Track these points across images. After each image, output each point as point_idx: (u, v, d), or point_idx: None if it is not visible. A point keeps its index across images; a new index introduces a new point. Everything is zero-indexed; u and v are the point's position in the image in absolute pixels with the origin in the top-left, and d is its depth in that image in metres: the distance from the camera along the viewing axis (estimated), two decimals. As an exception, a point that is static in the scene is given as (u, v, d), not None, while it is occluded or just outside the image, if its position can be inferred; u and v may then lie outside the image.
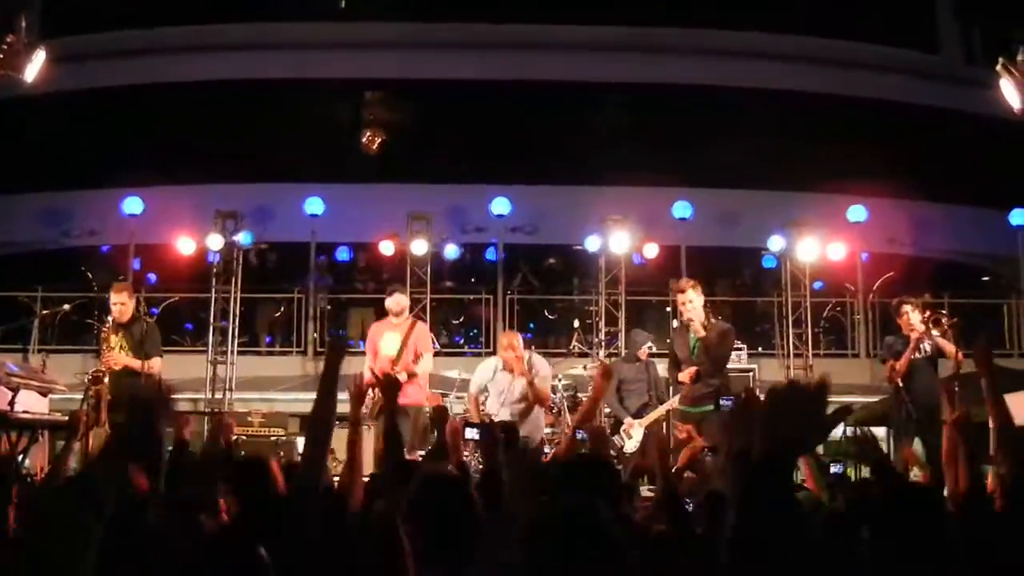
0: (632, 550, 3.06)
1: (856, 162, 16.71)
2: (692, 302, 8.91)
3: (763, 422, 2.34)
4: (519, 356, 9.44)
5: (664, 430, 10.12)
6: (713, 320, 9.15)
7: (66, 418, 8.67)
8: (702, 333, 8.80)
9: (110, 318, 9.11)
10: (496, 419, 9.18)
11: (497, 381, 9.58)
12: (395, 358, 9.43)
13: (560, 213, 16.84)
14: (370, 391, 7.88)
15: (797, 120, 18.13)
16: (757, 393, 7.54)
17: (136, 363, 8.86)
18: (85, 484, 3.19)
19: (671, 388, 10.81)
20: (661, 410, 10.09)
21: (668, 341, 9.78)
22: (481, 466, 5.27)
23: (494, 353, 14.52)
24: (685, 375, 8.88)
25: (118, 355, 8.88)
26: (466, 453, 7.34)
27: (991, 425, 4.59)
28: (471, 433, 6.30)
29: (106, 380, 8.70)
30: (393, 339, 9.64)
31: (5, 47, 9.85)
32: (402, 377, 8.79)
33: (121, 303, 9.10)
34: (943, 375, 9.31)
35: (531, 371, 9.39)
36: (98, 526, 2.78)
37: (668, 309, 15.82)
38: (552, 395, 10.73)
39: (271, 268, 16.80)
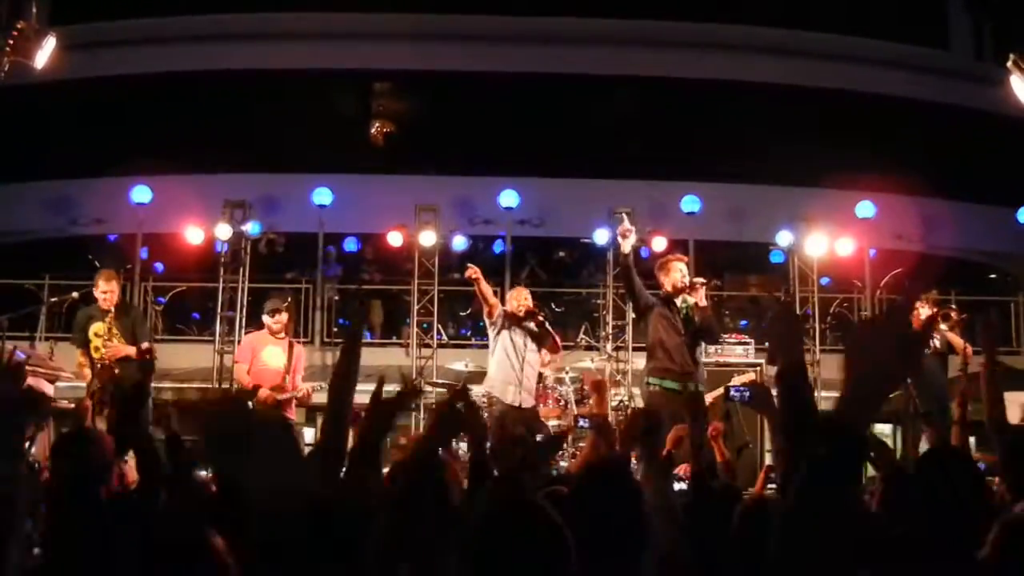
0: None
1: (865, 158, 16.65)
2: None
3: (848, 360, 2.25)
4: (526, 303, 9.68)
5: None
6: None
7: (72, 406, 8.73)
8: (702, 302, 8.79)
9: (109, 307, 9.04)
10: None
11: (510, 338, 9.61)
12: (281, 380, 9.09)
13: (568, 206, 16.82)
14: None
15: (806, 115, 18.05)
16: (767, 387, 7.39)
17: (132, 350, 8.90)
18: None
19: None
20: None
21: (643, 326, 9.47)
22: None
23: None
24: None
25: (114, 345, 8.90)
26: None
27: (984, 407, 4.54)
28: None
29: (116, 370, 8.74)
30: (277, 353, 9.23)
31: (15, 33, 9.84)
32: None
33: (110, 291, 9.08)
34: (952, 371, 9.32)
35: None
36: None
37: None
38: (559, 387, 10.79)
39: (280, 257, 16.75)
